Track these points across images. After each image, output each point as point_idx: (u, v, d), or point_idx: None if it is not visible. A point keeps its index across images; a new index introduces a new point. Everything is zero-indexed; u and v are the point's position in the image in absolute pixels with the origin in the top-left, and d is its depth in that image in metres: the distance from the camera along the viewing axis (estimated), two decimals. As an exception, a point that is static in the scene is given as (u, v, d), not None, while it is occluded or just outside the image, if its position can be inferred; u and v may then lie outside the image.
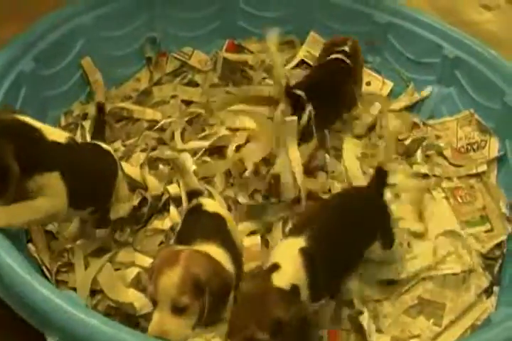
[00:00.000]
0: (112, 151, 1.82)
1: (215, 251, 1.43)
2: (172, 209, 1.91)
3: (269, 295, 1.34)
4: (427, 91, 2.44)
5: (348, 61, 2.20)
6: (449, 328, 1.76)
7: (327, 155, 2.13)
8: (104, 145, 1.79)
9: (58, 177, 1.45)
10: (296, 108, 1.99)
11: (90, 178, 1.59)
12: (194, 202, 1.64)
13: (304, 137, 1.98)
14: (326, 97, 2.06)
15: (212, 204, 1.66)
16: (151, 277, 1.34)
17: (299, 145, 1.95)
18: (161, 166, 2.05)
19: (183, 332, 1.32)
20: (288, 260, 1.44)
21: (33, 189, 1.42)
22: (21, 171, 1.37)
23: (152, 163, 2.05)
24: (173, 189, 1.94)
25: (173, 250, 1.38)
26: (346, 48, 2.22)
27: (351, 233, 1.59)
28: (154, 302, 1.32)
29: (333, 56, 2.21)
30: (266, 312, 1.28)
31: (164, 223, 1.88)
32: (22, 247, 1.65)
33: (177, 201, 1.92)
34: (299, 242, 1.48)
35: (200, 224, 1.56)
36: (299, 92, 1.99)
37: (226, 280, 1.37)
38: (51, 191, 1.45)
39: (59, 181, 1.46)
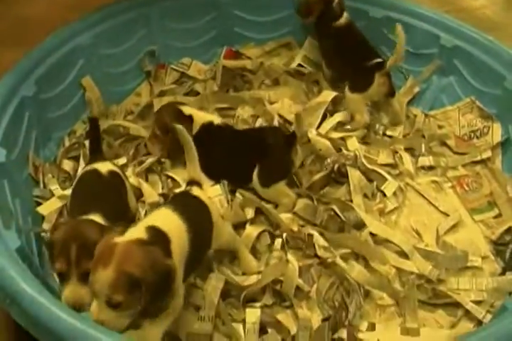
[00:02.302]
0: (116, 168, 1.85)
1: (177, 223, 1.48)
2: None
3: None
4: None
5: None
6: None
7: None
8: (108, 167, 1.80)
9: None
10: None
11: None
12: (186, 188, 1.71)
13: None
14: None
15: (201, 192, 1.70)
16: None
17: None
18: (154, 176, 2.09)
19: (119, 323, 1.35)
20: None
21: None
22: None
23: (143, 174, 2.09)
24: None
25: (109, 243, 1.36)
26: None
27: None
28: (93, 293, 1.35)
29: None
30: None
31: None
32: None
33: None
34: None
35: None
36: None
37: (164, 271, 1.36)
38: None
39: None
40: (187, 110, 2.10)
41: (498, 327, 1.50)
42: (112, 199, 1.70)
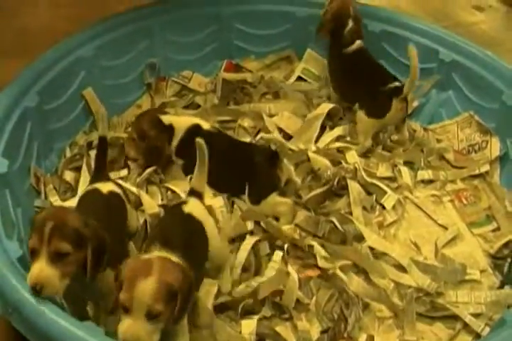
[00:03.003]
0: (118, 189, 1.84)
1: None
2: None
3: None
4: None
5: None
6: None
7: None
8: (109, 187, 1.80)
9: None
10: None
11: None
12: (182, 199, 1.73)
13: None
14: None
15: (194, 206, 1.71)
16: (121, 286, 1.38)
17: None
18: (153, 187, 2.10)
19: (152, 337, 1.37)
20: None
21: None
22: None
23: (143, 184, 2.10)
24: None
25: (141, 259, 1.44)
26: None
27: None
28: (125, 309, 1.36)
29: None
30: None
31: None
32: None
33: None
34: None
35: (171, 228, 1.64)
36: None
37: (191, 282, 1.43)
38: None
39: None
40: (167, 119, 2.13)
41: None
42: (110, 219, 1.68)
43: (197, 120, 2.16)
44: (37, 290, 1.40)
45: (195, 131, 2.10)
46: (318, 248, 1.89)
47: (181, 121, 2.15)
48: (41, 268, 1.40)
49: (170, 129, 2.12)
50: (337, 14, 2.35)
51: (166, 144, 2.12)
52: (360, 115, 2.27)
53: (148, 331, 1.36)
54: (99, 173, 1.87)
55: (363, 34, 2.38)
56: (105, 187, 1.79)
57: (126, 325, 1.35)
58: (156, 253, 1.48)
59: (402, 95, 2.19)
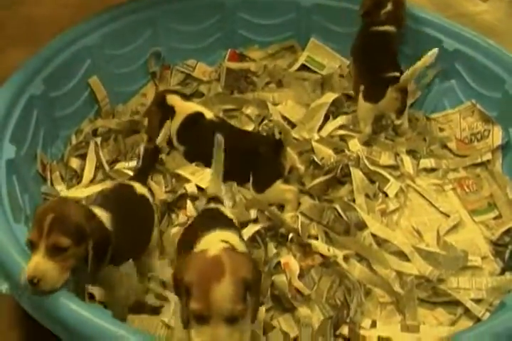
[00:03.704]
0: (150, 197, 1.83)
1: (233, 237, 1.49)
2: (189, 203, 1.97)
3: None
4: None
5: None
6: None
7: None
8: (143, 191, 1.80)
9: None
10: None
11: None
12: (211, 205, 1.71)
13: None
14: None
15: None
16: (186, 291, 1.27)
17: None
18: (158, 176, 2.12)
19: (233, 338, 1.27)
20: None
21: None
22: None
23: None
24: (190, 187, 2.01)
25: (207, 256, 1.31)
26: None
27: None
28: (201, 317, 1.25)
29: None
30: None
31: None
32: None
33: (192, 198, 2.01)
34: None
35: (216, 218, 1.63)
36: None
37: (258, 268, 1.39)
38: None
39: None
40: (170, 100, 2.17)
41: (496, 323, 1.51)
42: (134, 217, 1.67)
43: (201, 108, 2.19)
44: (34, 284, 1.37)
45: (197, 118, 2.13)
46: (316, 244, 1.89)
47: (184, 106, 2.18)
48: (39, 262, 1.38)
49: (170, 110, 2.15)
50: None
51: (159, 122, 2.14)
52: (360, 99, 2.29)
53: (231, 336, 1.25)
54: (141, 176, 1.88)
55: (402, 22, 2.40)
56: (140, 189, 1.79)
57: (209, 333, 1.24)
58: (218, 233, 1.45)
59: (397, 85, 2.20)
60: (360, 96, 2.29)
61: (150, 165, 1.98)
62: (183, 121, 2.14)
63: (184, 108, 2.17)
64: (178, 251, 1.60)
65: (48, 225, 1.39)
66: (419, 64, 2.15)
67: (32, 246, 1.41)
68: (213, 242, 1.42)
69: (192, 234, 1.54)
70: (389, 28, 2.37)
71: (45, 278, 1.38)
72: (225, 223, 1.59)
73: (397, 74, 2.23)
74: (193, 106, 2.19)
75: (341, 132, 2.29)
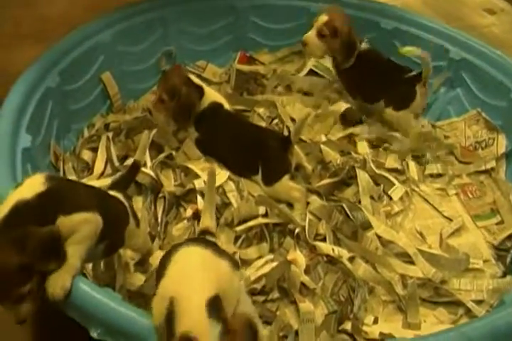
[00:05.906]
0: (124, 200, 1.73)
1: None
2: (199, 197, 1.98)
3: None
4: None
5: None
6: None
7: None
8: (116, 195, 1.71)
9: None
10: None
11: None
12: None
13: None
14: None
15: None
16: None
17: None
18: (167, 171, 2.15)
19: None
20: None
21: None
22: None
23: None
24: (198, 184, 2.02)
25: None
26: None
27: None
28: None
29: None
30: None
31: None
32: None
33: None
34: None
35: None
36: None
37: None
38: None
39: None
40: (195, 79, 2.15)
41: (495, 318, 1.53)
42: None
43: (221, 98, 2.19)
44: None
45: (218, 107, 2.14)
46: (321, 246, 1.92)
47: (211, 91, 2.17)
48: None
49: (200, 90, 2.13)
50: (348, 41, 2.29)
51: (196, 103, 2.11)
52: (391, 112, 2.30)
53: None
54: (118, 186, 1.77)
55: (356, 36, 2.32)
56: (115, 194, 1.71)
57: None
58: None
59: (423, 80, 2.23)
60: (390, 111, 2.29)
61: (132, 179, 1.86)
62: (208, 106, 2.13)
63: (211, 93, 2.16)
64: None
65: None
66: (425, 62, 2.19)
67: None
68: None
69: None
70: (364, 44, 2.31)
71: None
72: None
73: (415, 72, 2.26)
74: (216, 94, 2.19)
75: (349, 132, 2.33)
